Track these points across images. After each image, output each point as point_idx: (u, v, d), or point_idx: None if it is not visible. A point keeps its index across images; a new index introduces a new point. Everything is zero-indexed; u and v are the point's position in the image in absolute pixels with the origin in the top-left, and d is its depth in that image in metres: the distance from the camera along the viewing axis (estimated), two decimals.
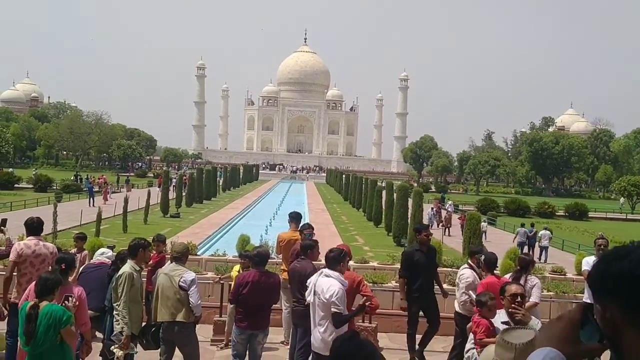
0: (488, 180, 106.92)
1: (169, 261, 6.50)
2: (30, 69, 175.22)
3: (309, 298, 5.75)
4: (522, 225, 26.33)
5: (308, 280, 5.90)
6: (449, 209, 34.09)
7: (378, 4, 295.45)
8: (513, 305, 4.92)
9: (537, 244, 24.46)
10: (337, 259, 5.78)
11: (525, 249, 23.28)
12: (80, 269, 7.53)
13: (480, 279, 7.23)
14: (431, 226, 30.15)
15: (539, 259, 22.68)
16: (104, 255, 7.87)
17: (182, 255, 6.25)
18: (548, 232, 24.82)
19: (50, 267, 6.16)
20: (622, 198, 59.46)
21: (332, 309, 5.44)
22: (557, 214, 46.86)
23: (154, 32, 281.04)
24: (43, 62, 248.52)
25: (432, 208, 33.72)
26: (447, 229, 29.26)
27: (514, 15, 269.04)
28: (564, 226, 39.12)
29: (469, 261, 7.92)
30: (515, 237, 25.08)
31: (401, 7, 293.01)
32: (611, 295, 1.18)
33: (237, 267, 8.44)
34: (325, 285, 5.55)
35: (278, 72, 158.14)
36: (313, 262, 6.79)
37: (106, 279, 6.88)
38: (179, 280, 5.96)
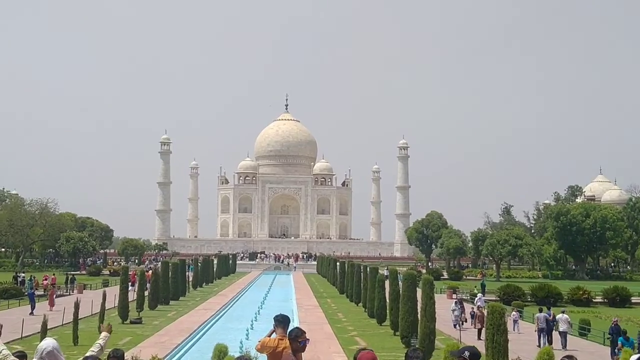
0: (510, 263, 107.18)
1: None
2: None
3: None
4: (541, 310, 27.30)
5: None
6: (480, 304, 32.39)
7: (368, 62, 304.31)
8: None
9: (555, 329, 25.37)
10: None
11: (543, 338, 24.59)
12: None
13: None
14: (456, 325, 29.21)
15: (562, 346, 23.65)
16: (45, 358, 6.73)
17: None
18: (566, 316, 26.12)
19: None
20: None
21: None
22: (594, 300, 46.59)
23: (108, 104, 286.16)
24: None
25: (456, 302, 32.21)
26: (480, 331, 27.53)
27: (527, 73, 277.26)
28: (603, 315, 39.02)
29: None
30: (536, 325, 26.10)
31: (397, 65, 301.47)
32: None
33: None
34: None
35: (256, 145, 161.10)
36: None
37: None
38: None
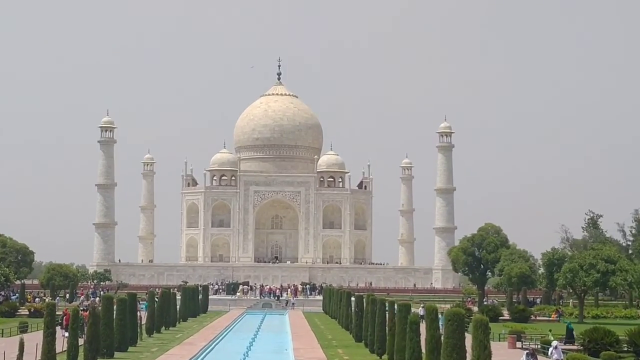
0: (598, 297, 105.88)
1: None
2: None
3: None
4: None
5: None
6: (557, 357, 32.62)
7: (391, 16, 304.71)
8: None
9: None
10: None
11: None
12: None
13: None
14: None
15: None
16: None
17: None
18: None
19: None
20: None
21: None
22: None
23: (25, 75, 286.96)
24: None
25: (527, 355, 32.66)
26: None
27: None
28: None
29: None
30: None
31: (434, 21, 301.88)
32: None
33: None
34: None
35: (236, 130, 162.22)
36: None
37: None
38: None
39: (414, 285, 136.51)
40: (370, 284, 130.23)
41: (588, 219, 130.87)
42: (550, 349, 33.76)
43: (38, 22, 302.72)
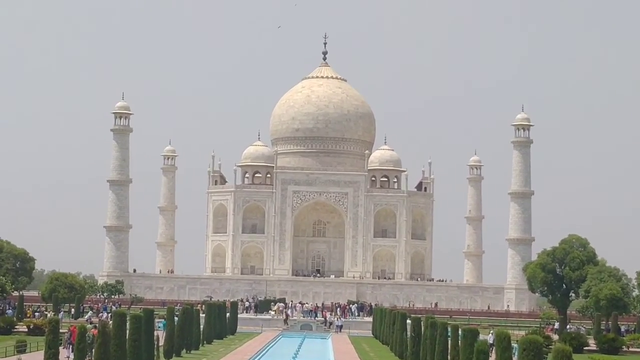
0: None
1: None
2: None
3: None
4: None
5: None
6: None
7: None
8: None
9: None
10: None
11: None
12: None
13: None
14: None
15: None
16: None
17: None
18: None
19: None
20: None
21: None
22: None
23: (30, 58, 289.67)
24: None
25: None
26: None
27: None
28: None
29: None
30: None
31: None
32: None
33: None
34: None
35: (273, 120, 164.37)
36: None
37: None
38: None
39: (488, 307, 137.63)
40: (436, 304, 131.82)
41: None
42: None
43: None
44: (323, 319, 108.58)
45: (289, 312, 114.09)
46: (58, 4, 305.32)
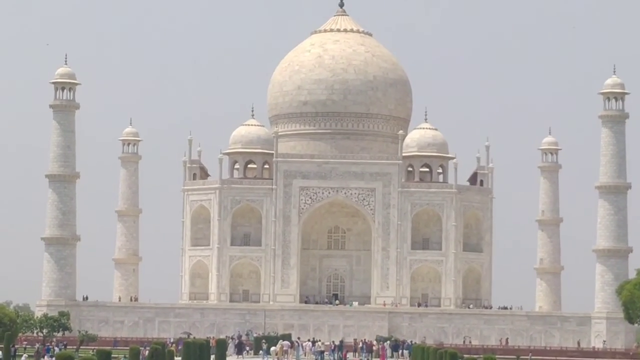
0: None
1: None
2: None
3: None
4: None
5: None
6: None
7: None
8: None
9: None
10: None
11: None
12: None
13: None
14: None
15: None
16: None
17: None
18: None
19: None
20: None
21: None
22: None
23: None
24: None
25: None
26: None
27: None
28: None
29: None
30: None
31: None
32: None
33: None
34: None
35: (271, 90, 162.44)
36: None
37: None
38: None
39: (578, 343, 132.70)
40: (507, 340, 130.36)
41: None
42: None
43: None
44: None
45: (296, 352, 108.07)
46: None
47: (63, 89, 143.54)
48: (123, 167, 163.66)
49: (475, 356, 64.60)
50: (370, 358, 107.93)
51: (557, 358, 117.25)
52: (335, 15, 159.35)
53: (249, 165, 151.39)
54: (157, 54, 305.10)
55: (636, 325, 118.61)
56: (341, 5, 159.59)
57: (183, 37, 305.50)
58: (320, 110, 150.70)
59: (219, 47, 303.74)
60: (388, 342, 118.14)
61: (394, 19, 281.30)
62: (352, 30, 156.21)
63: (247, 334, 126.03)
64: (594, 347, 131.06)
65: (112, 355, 53.12)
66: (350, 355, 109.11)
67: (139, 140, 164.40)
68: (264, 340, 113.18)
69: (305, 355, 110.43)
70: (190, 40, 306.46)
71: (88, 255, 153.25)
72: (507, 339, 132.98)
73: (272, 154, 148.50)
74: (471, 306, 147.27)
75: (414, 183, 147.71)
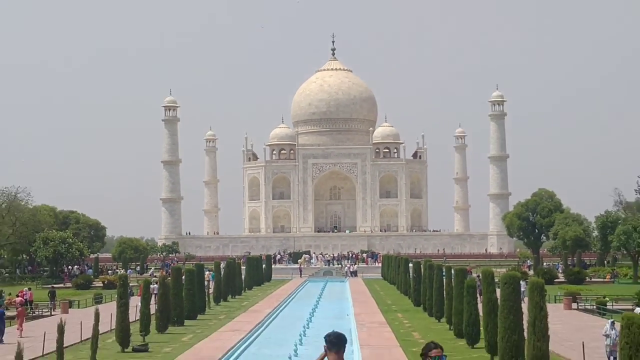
0: None
1: None
2: None
3: None
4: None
5: None
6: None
7: None
8: None
9: None
10: None
11: None
12: None
13: None
14: (611, 358, 27.02)
15: None
16: None
17: None
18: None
19: None
20: None
21: None
22: None
23: (90, 59, 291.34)
24: None
25: (612, 324, 28.18)
26: None
27: None
28: None
29: None
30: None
31: None
32: None
33: None
34: None
35: (293, 106, 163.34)
36: None
37: None
38: None
39: (469, 251, 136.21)
40: (444, 250, 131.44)
41: None
42: (606, 327, 28.91)
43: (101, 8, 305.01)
44: (342, 265, 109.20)
45: (312, 261, 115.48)
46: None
47: (169, 109, 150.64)
48: (207, 155, 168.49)
49: (419, 260, 61.51)
50: (357, 263, 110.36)
51: (468, 259, 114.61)
52: (329, 60, 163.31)
53: (281, 152, 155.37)
54: (226, 88, 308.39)
55: (515, 239, 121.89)
56: (333, 54, 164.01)
57: (241, 78, 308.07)
58: (322, 117, 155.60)
59: (262, 82, 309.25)
60: (368, 254, 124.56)
61: (367, 60, 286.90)
62: (339, 69, 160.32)
63: (284, 251, 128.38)
64: (490, 253, 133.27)
65: (204, 267, 54.86)
66: (345, 261, 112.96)
67: (216, 139, 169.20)
68: (292, 254, 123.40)
69: (318, 262, 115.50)
70: (245, 80, 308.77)
71: (188, 208, 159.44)
72: (444, 249, 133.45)
73: (295, 144, 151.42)
74: (415, 230, 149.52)
75: (380, 159, 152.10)
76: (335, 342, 8.90)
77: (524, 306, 25.02)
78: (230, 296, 61.93)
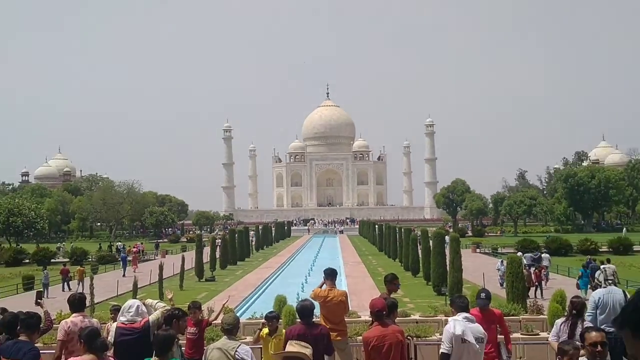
0: (525, 220, 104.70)
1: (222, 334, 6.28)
2: (61, 145, 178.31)
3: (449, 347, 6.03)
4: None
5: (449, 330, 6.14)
6: (546, 263, 29.33)
7: (398, 52, 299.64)
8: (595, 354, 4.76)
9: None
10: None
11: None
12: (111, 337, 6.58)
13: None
14: (503, 284, 26.13)
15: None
16: (131, 312, 6.65)
17: (233, 328, 6.10)
18: (547, 255, 30.62)
19: None
20: None
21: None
22: (600, 250, 44.92)
23: (179, 98, 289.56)
24: (74, 136, 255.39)
25: (502, 261, 26.88)
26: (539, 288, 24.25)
27: (538, 50, 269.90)
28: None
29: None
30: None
31: (423, 54, 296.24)
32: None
33: (265, 330, 7.97)
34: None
35: (303, 128, 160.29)
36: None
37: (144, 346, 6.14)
38: (234, 354, 5.77)
39: (412, 217, 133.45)
40: (381, 217, 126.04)
41: (518, 173, 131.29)
42: (498, 264, 28.63)
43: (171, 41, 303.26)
44: (334, 227, 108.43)
45: (315, 225, 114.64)
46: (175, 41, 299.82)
47: (226, 132, 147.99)
48: (250, 159, 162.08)
49: (382, 223, 59.59)
50: (343, 225, 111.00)
51: (412, 223, 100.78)
52: (325, 100, 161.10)
53: (297, 157, 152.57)
54: (263, 117, 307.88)
55: (441, 209, 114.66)
56: (327, 96, 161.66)
57: (270, 113, 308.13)
58: (322, 135, 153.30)
59: (284, 113, 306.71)
60: (350, 219, 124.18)
61: (348, 100, 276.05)
62: (332, 106, 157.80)
63: (298, 218, 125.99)
64: (426, 218, 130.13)
65: (250, 229, 56.31)
66: (336, 224, 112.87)
67: (255, 149, 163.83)
68: (303, 220, 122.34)
69: (319, 225, 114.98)
70: (273, 113, 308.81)
71: (238, 192, 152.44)
72: (398, 216, 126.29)
73: (304, 152, 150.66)
74: (379, 205, 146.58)
75: (357, 161, 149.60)
76: (330, 274, 8.90)
77: (447, 251, 24.92)
78: (265, 247, 61.43)
